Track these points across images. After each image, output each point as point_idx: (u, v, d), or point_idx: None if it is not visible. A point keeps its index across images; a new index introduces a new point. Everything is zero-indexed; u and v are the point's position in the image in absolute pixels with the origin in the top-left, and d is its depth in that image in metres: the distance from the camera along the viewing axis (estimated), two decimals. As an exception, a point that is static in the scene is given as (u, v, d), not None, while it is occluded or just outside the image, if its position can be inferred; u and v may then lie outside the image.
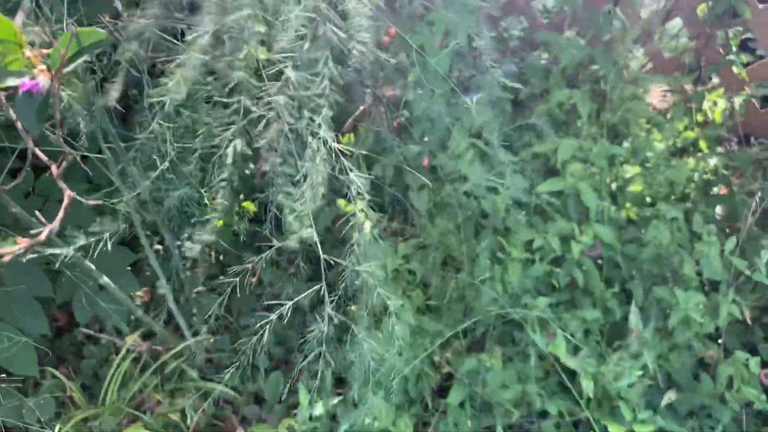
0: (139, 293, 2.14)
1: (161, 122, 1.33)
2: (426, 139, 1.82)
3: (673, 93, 2.10)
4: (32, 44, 0.75)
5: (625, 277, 1.67)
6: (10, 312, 1.62)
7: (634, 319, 1.53)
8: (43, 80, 0.73)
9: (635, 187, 1.81)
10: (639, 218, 1.80)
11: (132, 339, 1.80)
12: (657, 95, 2.16)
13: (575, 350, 1.51)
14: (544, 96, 1.93)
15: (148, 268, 1.97)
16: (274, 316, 1.38)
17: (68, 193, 0.91)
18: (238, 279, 1.56)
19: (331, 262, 1.52)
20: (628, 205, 1.80)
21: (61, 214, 0.90)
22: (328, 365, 1.55)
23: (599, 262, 1.66)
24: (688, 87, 2.08)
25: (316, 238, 1.35)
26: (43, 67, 0.74)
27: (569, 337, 1.46)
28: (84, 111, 1.21)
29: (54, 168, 0.91)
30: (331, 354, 1.55)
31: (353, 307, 1.61)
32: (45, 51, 0.74)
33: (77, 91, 1.20)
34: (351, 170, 1.63)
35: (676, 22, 2.12)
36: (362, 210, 1.66)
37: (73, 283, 1.73)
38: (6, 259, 0.84)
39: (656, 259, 1.58)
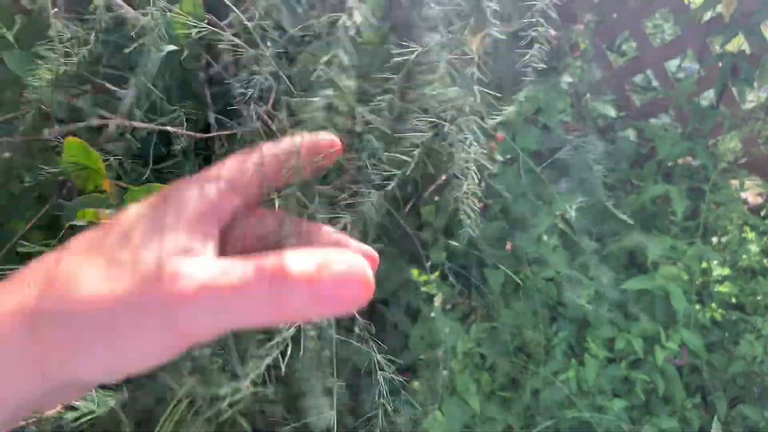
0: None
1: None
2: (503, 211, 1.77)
3: (770, 189, 1.99)
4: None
5: (706, 385, 1.57)
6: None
7: (716, 435, 1.43)
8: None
9: (723, 288, 1.70)
10: (724, 320, 1.69)
11: (189, 383, 1.80)
12: (752, 189, 2.05)
13: (648, 461, 1.42)
14: (632, 182, 1.86)
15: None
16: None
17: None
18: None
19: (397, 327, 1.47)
20: (713, 305, 1.70)
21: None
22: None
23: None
24: (786, 184, 1.97)
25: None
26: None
27: (644, 448, 1.37)
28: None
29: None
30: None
31: (415, 384, 1.56)
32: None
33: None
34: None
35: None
36: (434, 281, 1.63)
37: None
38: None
39: (746, 374, 1.47)
